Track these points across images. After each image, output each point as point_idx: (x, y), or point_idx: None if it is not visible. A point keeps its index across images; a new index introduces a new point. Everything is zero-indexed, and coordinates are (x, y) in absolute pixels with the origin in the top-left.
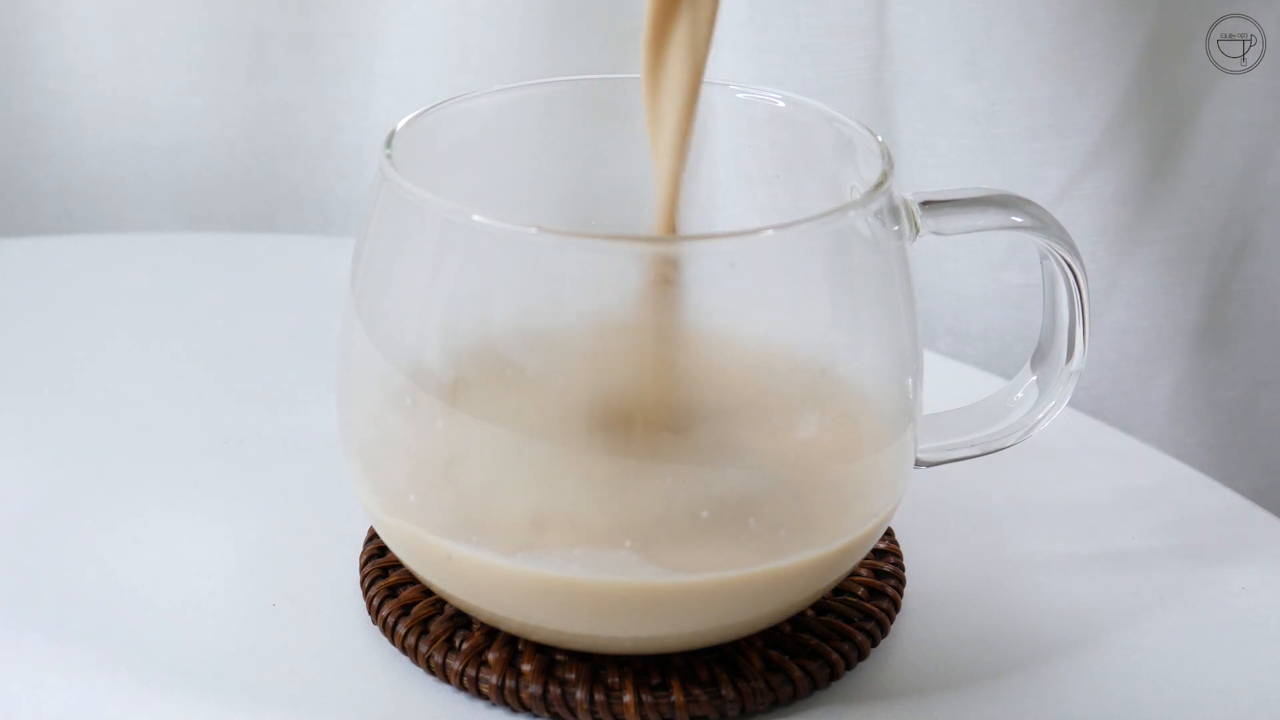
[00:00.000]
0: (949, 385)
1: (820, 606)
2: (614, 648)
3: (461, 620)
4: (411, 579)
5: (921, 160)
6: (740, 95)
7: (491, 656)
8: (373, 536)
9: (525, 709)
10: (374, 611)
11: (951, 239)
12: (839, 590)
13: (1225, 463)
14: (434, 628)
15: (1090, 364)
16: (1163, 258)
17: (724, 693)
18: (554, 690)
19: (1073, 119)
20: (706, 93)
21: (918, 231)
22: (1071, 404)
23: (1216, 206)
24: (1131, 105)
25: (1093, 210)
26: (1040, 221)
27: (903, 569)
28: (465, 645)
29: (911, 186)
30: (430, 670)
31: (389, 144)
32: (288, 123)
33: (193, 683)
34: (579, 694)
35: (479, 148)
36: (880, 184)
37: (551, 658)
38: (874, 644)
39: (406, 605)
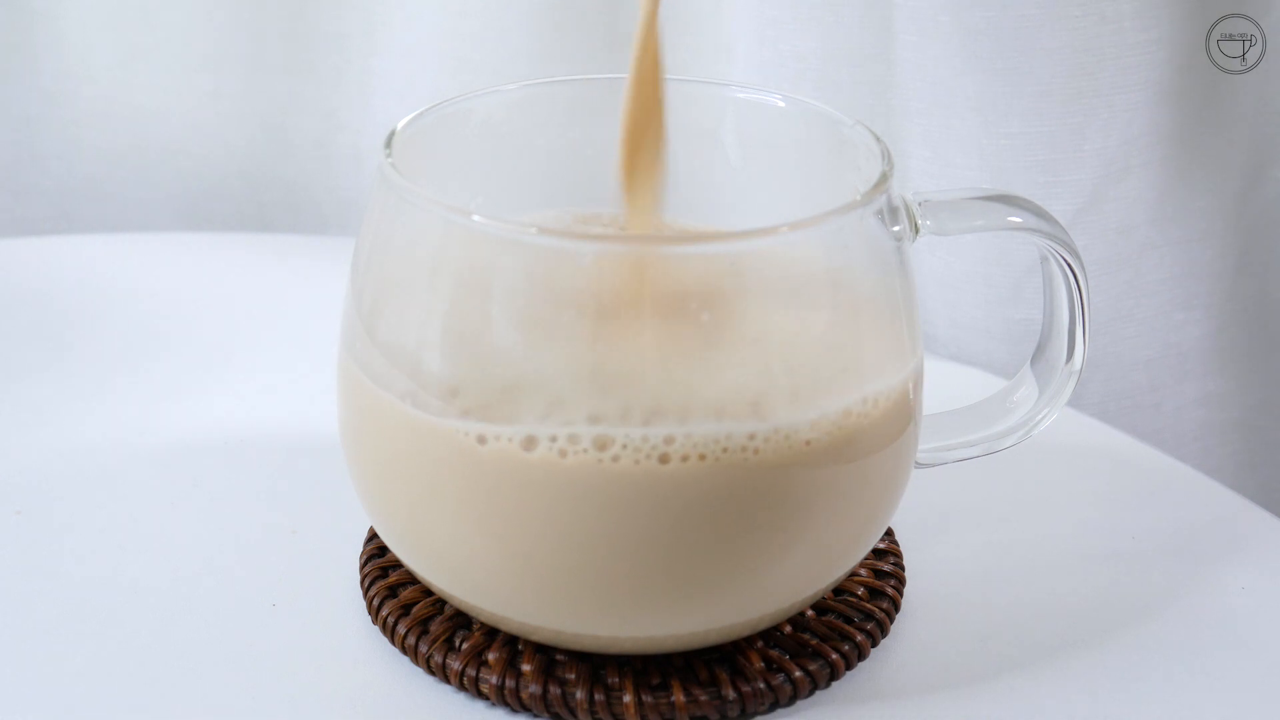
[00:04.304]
0: (949, 385)
1: (820, 606)
2: (614, 648)
3: (461, 620)
4: (411, 579)
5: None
6: (740, 95)
7: (491, 656)
8: (373, 536)
9: (525, 709)
10: (374, 611)
11: (958, 268)
12: (839, 590)
13: (1230, 484)
14: (434, 628)
15: (1098, 397)
16: (1164, 284)
17: (724, 693)
18: (554, 690)
19: (1077, 154)
20: (707, 93)
21: (918, 231)
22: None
23: (1214, 229)
24: (1135, 137)
25: (1096, 244)
26: (1040, 221)
27: (903, 569)
28: (465, 645)
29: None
30: (430, 670)
31: (389, 144)
32: (286, 123)
33: (193, 682)
34: (579, 694)
35: (479, 148)
36: (880, 184)
37: (551, 658)
38: (874, 644)
39: (406, 605)
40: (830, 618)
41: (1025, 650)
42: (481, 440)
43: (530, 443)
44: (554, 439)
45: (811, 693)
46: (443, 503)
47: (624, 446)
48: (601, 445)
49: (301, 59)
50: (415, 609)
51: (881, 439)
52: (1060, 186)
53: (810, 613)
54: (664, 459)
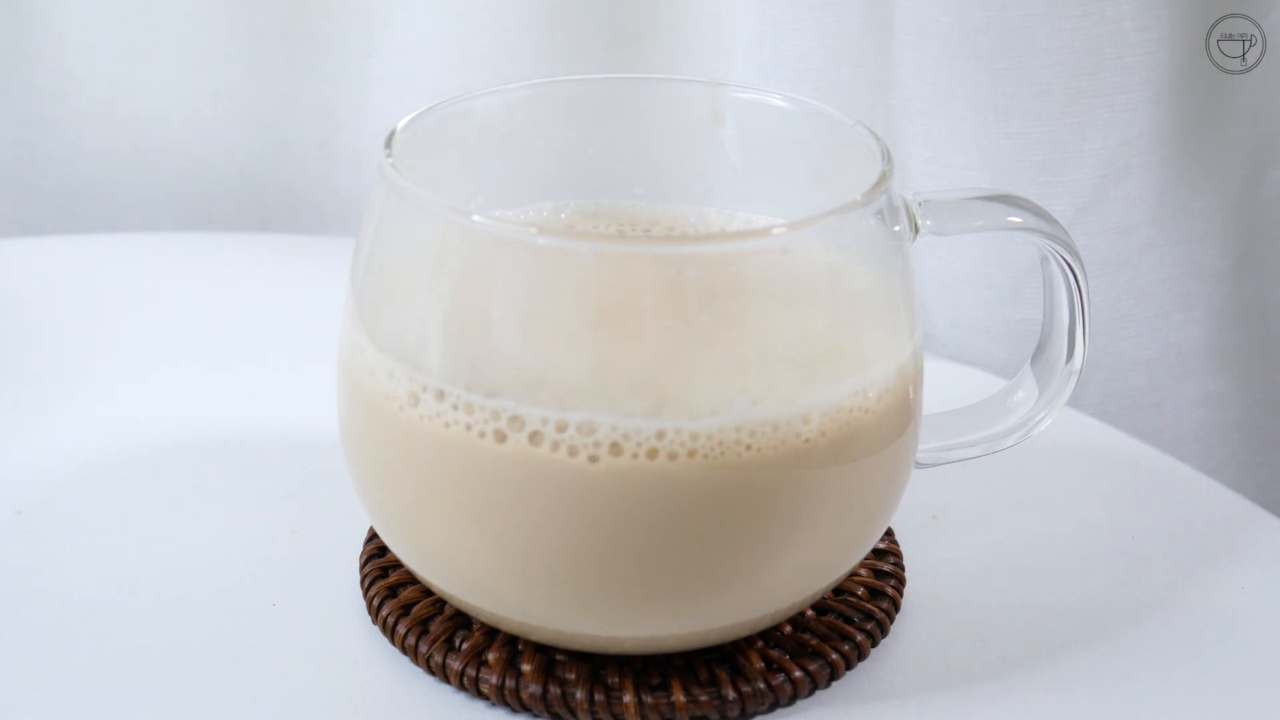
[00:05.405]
0: (949, 385)
1: (820, 606)
2: (614, 648)
3: (461, 620)
4: (411, 579)
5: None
6: (741, 95)
7: (491, 656)
8: (373, 536)
9: (525, 709)
10: (374, 611)
11: (958, 268)
12: (839, 590)
13: (1230, 484)
14: (434, 628)
15: (1098, 397)
16: (1164, 284)
17: (724, 693)
18: (554, 690)
19: (1077, 154)
20: (707, 93)
21: (917, 231)
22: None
23: (1214, 229)
24: (1135, 138)
25: (1096, 244)
26: (1040, 221)
27: (903, 569)
28: (465, 645)
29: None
30: (430, 670)
31: (389, 144)
32: (286, 123)
33: (193, 682)
34: (579, 694)
35: (479, 148)
36: (880, 184)
37: (551, 658)
38: (874, 644)
39: (406, 605)
40: (830, 618)
41: (1025, 650)
42: (482, 439)
43: (530, 441)
44: (554, 437)
45: (811, 693)
46: (443, 502)
47: (624, 444)
48: (601, 443)
49: (301, 59)
50: (415, 609)
51: (881, 439)
52: (1060, 186)
53: (810, 613)
54: (661, 456)
